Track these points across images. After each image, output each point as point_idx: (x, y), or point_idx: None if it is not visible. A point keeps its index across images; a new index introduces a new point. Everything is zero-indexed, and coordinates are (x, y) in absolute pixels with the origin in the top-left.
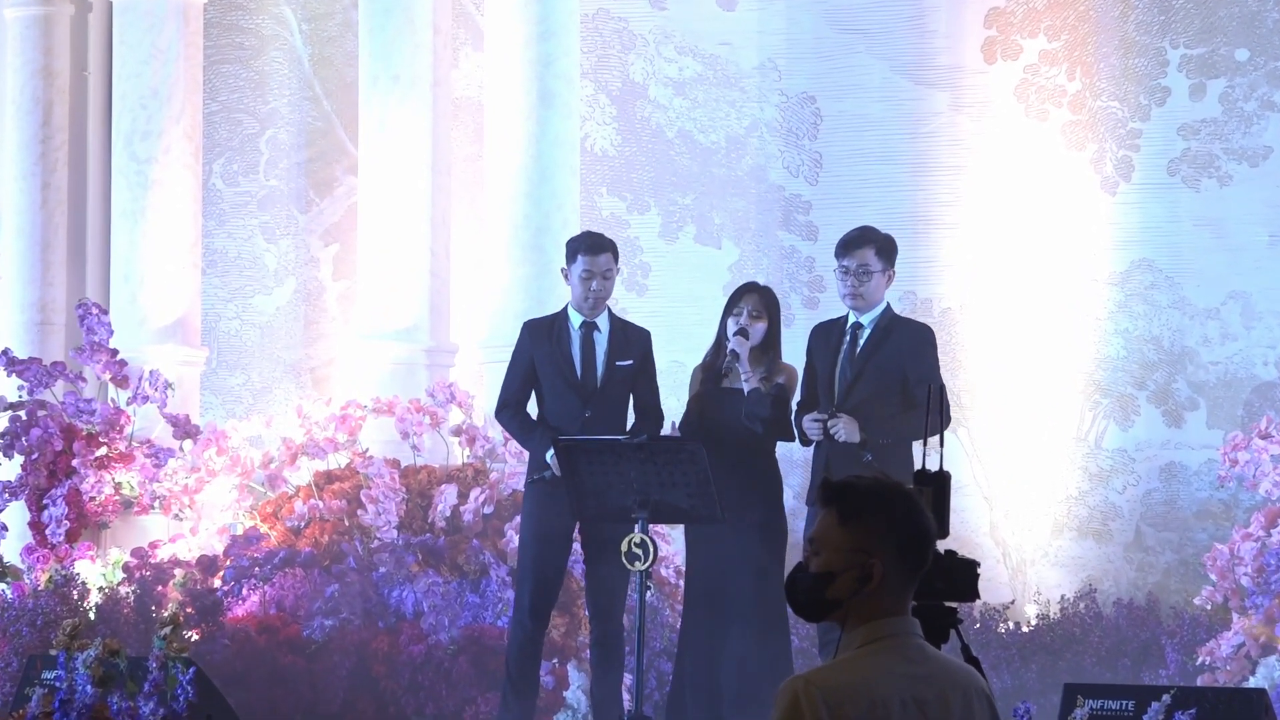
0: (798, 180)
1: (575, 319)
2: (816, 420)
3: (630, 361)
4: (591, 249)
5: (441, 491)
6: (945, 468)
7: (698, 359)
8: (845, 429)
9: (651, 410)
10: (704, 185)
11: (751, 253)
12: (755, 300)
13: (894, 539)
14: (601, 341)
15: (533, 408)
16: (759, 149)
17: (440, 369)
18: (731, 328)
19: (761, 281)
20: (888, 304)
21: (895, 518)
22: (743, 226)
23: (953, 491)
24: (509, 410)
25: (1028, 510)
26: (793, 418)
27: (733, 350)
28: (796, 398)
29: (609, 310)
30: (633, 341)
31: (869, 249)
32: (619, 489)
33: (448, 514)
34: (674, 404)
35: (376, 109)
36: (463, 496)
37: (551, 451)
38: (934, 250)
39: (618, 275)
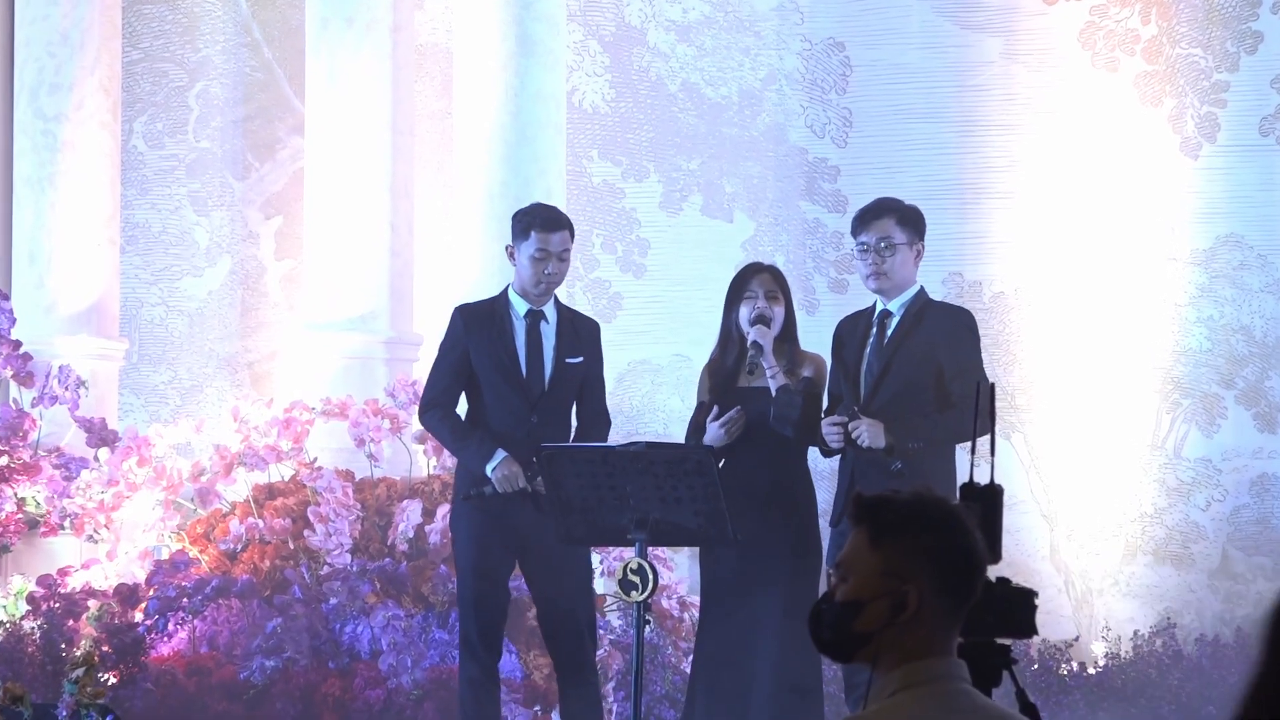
0: (823, 142)
1: (520, 306)
2: (836, 424)
3: (580, 358)
4: (546, 225)
5: (403, 509)
6: (997, 480)
7: (705, 352)
8: (868, 432)
9: (600, 417)
10: (713, 148)
11: (769, 227)
12: (767, 280)
13: (935, 563)
14: (549, 334)
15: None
16: (777, 105)
17: (402, 364)
18: (746, 315)
19: (768, 260)
20: (921, 287)
21: (937, 538)
22: (758, 196)
23: (1006, 508)
24: (438, 411)
25: (1095, 531)
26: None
27: (754, 342)
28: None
29: (555, 297)
30: (583, 335)
31: (889, 219)
32: (612, 506)
33: (410, 535)
34: (678, 405)
35: (326, 57)
36: (428, 514)
37: (492, 465)
38: (984, 224)
39: (585, 255)
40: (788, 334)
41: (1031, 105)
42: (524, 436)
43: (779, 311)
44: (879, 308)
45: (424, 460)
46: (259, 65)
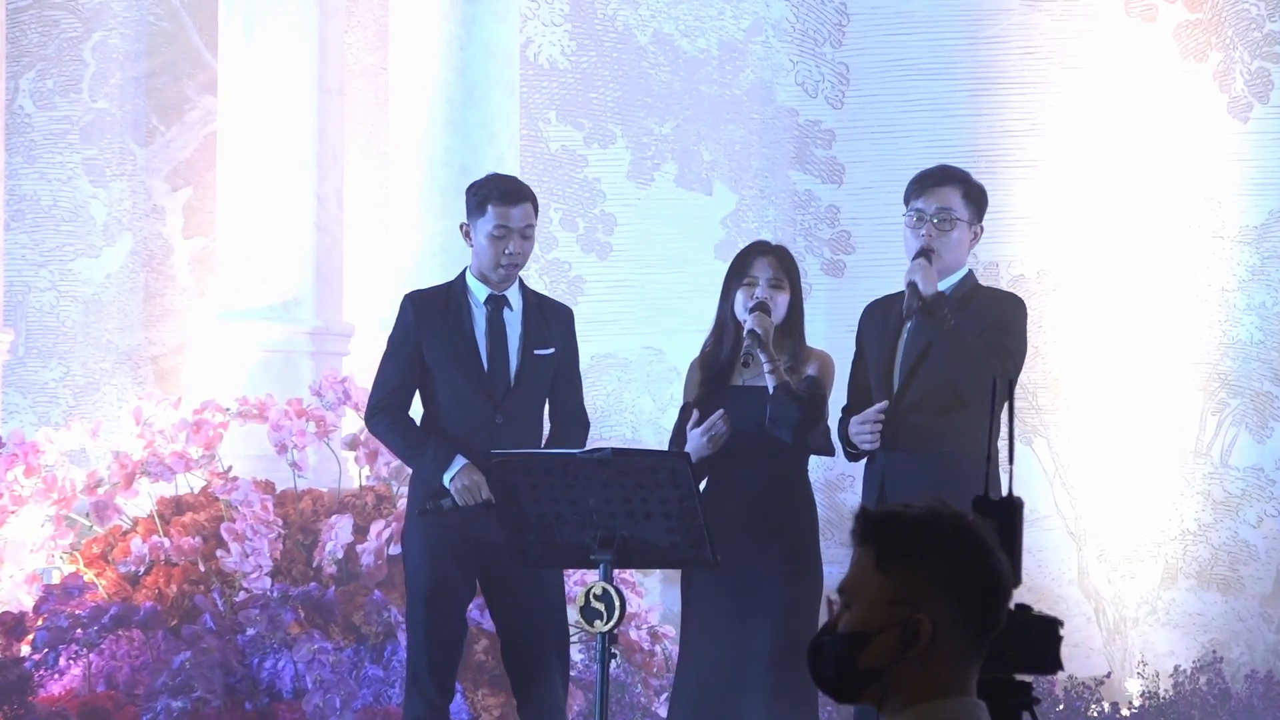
0: (816, 102)
1: (479, 291)
2: (874, 420)
3: (551, 350)
4: (505, 197)
5: (331, 525)
6: (1016, 492)
7: (681, 344)
8: (921, 275)
9: (576, 417)
10: (689, 109)
11: (753, 200)
12: (772, 264)
13: (952, 588)
14: (514, 322)
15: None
16: (763, 60)
17: (330, 358)
18: (744, 303)
19: (772, 240)
20: (970, 270)
21: (953, 559)
22: (741, 165)
23: (1026, 525)
24: (387, 415)
25: (1129, 551)
26: (835, 423)
27: (751, 331)
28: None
29: (520, 281)
30: (553, 323)
31: (953, 189)
32: (573, 522)
33: (340, 556)
34: (648, 405)
35: (242, 5)
36: (360, 532)
37: (451, 474)
38: (1003, 196)
39: (541, 232)
40: (792, 326)
41: (1055, 59)
42: (487, 441)
43: (782, 300)
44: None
45: (355, 469)
46: (165, 13)
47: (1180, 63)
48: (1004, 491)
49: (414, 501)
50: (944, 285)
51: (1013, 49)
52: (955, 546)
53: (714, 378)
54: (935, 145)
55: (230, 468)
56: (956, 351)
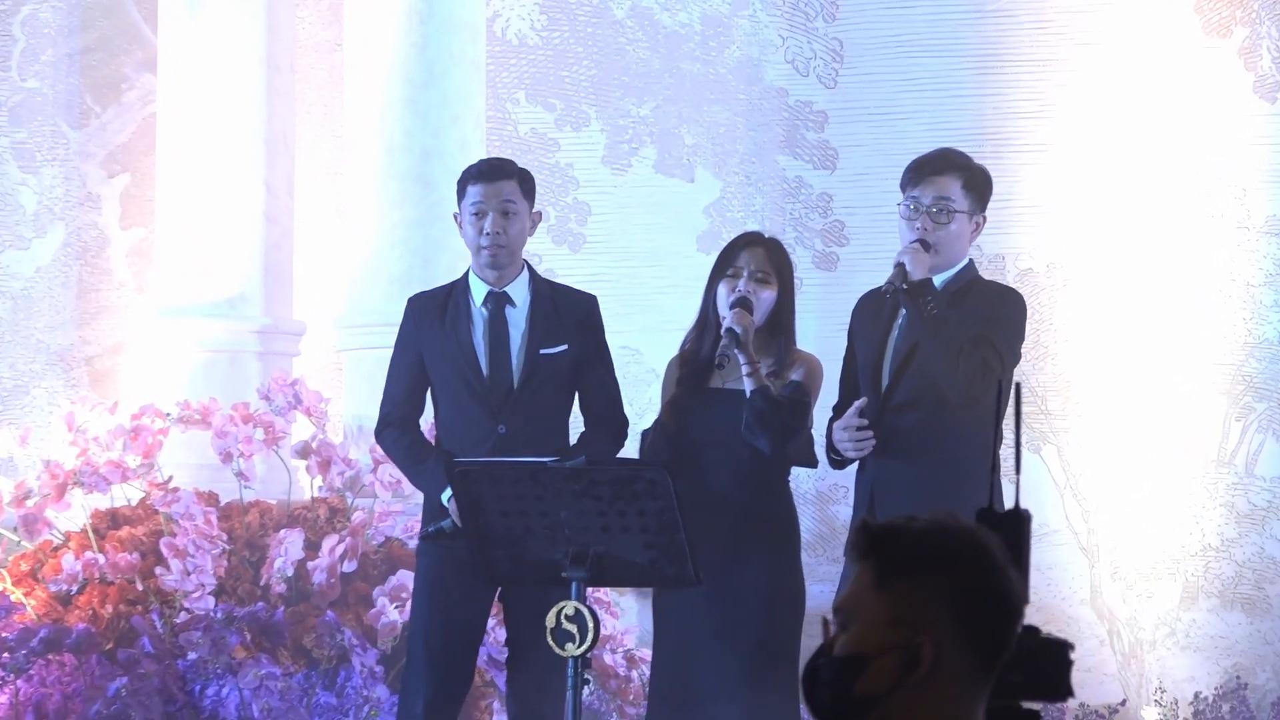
0: (807, 81)
1: (479, 290)
2: (856, 427)
3: (563, 347)
4: (484, 173)
5: (280, 540)
6: (1024, 504)
7: (660, 343)
8: (911, 258)
9: (606, 416)
10: (669, 89)
11: (739, 187)
12: (760, 257)
13: (957, 609)
14: (518, 320)
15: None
16: (750, 35)
17: (279, 359)
18: (726, 297)
19: (761, 231)
20: (970, 262)
21: (959, 577)
22: (726, 149)
23: (1034, 540)
24: (394, 429)
25: (1146, 568)
26: (821, 429)
27: (729, 329)
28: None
29: (529, 270)
30: (567, 316)
31: (953, 178)
32: (543, 537)
33: (289, 573)
34: (625, 409)
35: None
36: (312, 548)
37: (449, 492)
38: (1010, 183)
39: (540, 222)
40: (779, 326)
41: (1068, 35)
42: (489, 453)
43: (768, 296)
44: None
45: (307, 480)
46: None
47: (1203, 38)
48: (1009, 503)
49: (423, 523)
50: (938, 279)
51: (1022, 23)
52: (962, 564)
53: (692, 377)
54: (937, 128)
55: (171, 478)
56: (940, 345)
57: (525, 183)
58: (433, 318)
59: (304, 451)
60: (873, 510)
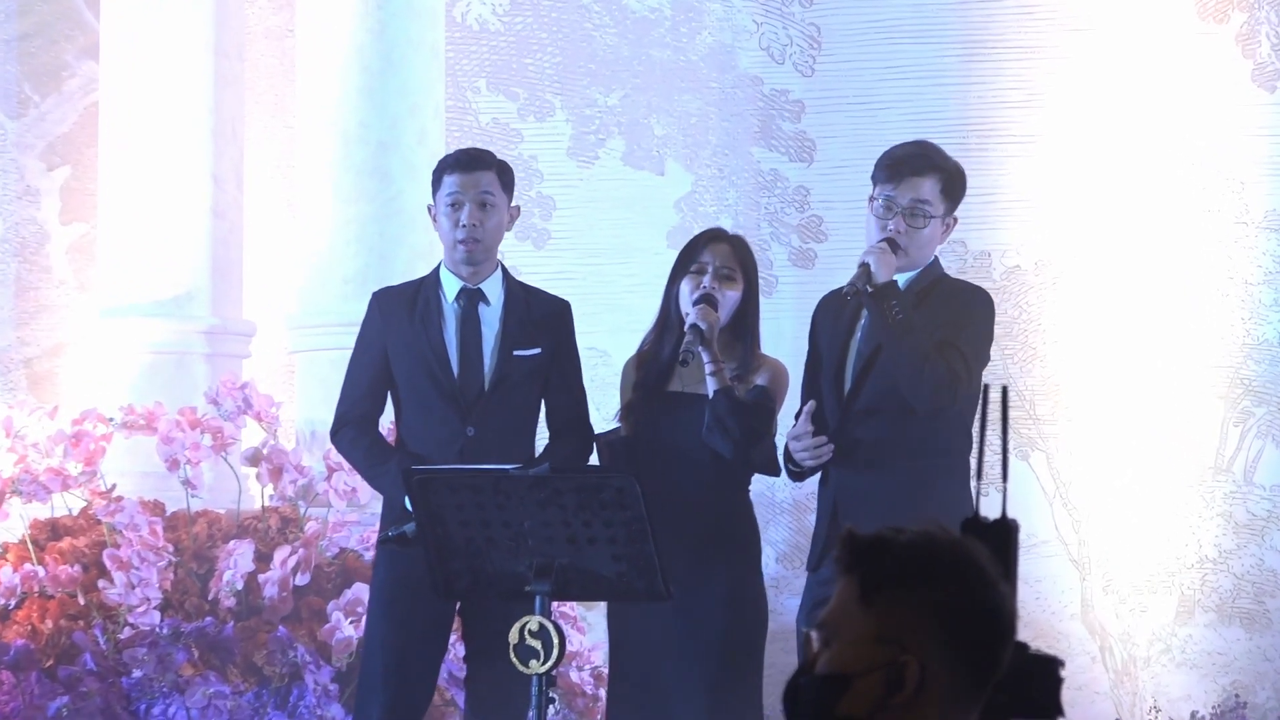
0: (783, 69)
1: (451, 285)
2: (804, 439)
3: (537, 350)
4: (460, 163)
5: (230, 552)
6: (1010, 514)
7: (628, 345)
8: (876, 259)
9: (574, 425)
10: (638, 77)
11: (711, 181)
12: (725, 254)
13: (945, 626)
14: (491, 319)
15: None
16: (723, 20)
17: (228, 361)
18: (689, 295)
19: (730, 228)
20: (936, 259)
21: (947, 593)
22: (698, 140)
23: (1022, 551)
24: (352, 429)
25: (1140, 581)
26: (781, 437)
27: (693, 326)
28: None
29: (502, 269)
30: (540, 319)
31: (932, 180)
32: (506, 549)
33: (239, 587)
34: (592, 415)
35: None
36: (263, 560)
37: None
38: (994, 177)
39: (518, 217)
40: (743, 327)
41: (1057, 20)
42: (457, 456)
43: (733, 295)
44: None
45: (257, 488)
46: None
47: (1198, 24)
48: (991, 513)
49: (381, 527)
50: (902, 278)
51: (1009, 8)
52: (951, 578)
53: (650, 380)
54: (919, 118)
55: (114, 486)
56: (905, 351)
57: (504, 175)
58: (401, 313)
59: (254, 458)
60: (836, 522)
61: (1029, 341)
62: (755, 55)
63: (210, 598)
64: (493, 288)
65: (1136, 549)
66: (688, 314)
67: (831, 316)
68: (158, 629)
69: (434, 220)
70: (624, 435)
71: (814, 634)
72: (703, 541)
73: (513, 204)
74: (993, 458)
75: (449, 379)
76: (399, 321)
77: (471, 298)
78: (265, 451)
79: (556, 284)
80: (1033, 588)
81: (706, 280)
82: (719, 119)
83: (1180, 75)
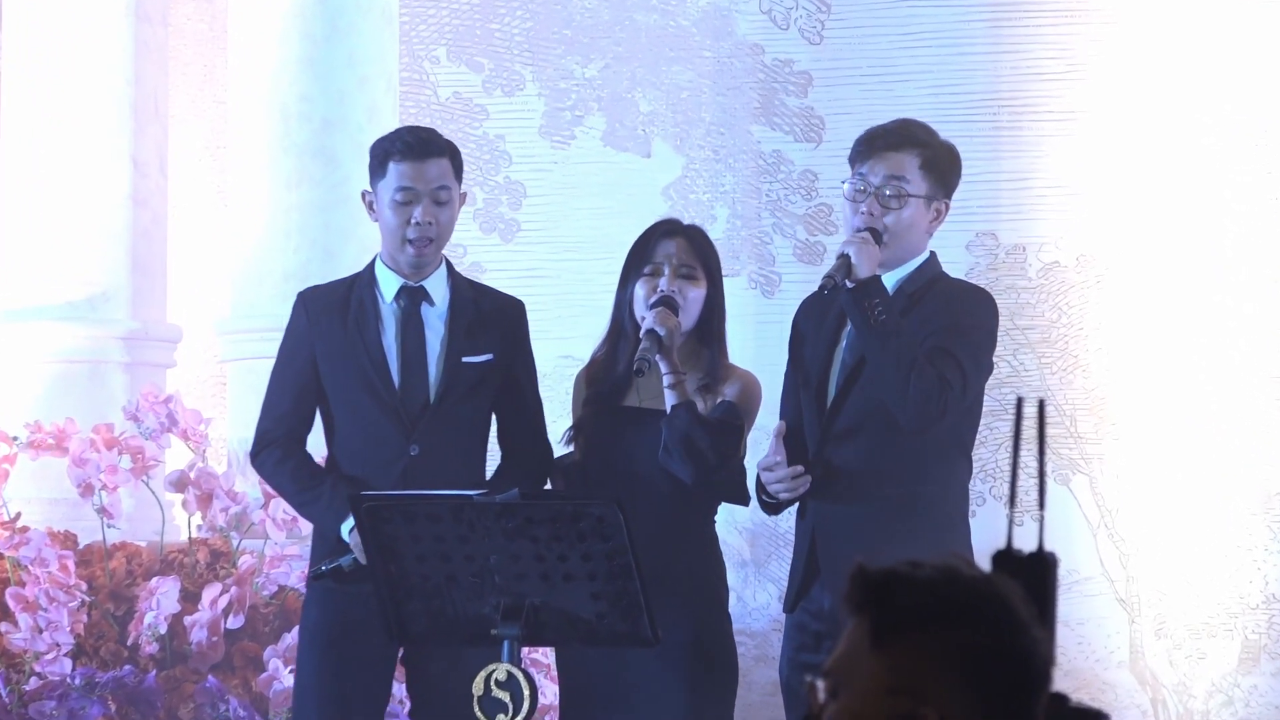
0: (787, 35)
1: (389, 284)
2: (777, 470)
3: (488, 356)
4: (411, 150)
5: (152, 590)
6: (1049, 546)
7: None
8: (858, 250)
9: (528, 448)
10: (621, 45)
11: (705, 163)
12: (682, 249)
13: (968, 675)
14: (436, 321)
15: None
16: None
17: (150, 371)
18: (645, 299)
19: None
20: (931, 254)
21: (972, 637)
22: (691, 118)
23: (1062, 589)
24: (276, 450)
25: (1197, 623)
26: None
27: (649, 331)
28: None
29: (447, 265)
30: (492, 322)
31: (909, 155)
32: (469, 587)
33: (163, 630)
34: (558, 433)
35: None
36: (190, 599)
37: (351, 524)
38: (1029, 161)
39: (465, 204)
40: (709, 331)
41: None
42: (399, 478)
43: (696, 296)
44: None
45: (184, 517)
46: None
47: None
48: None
49: (312, 561)
50: (891, 277)
51: None
52: (975, 620)
53: (603, 395)
54: (942, 91)
55: (18, 515)
56: (889, 359)
57: (456, 160)
58: (331, 316)
59: (180, 483)
60: (814, 557)
61: (1069, 349)
62: (755, 20)
63: (129, 643)
64: (437, 285)
65: (1193, 587)
66: (643, 318)
67: (815, 321)
68: (69, 679)
69: (370, 210)
70: (577, 459)
71: (819, 682)
72: (660, 579)
73: (461, 190)
74: (1028, 481)
75: (389, 391)
76: (329, 325)
77: (413, 297)
78: (192, 475)
79: (527, 282)
80: (1074, 631)
81: (663, 282)
82: (713, 93)
83: (1239, 43)
